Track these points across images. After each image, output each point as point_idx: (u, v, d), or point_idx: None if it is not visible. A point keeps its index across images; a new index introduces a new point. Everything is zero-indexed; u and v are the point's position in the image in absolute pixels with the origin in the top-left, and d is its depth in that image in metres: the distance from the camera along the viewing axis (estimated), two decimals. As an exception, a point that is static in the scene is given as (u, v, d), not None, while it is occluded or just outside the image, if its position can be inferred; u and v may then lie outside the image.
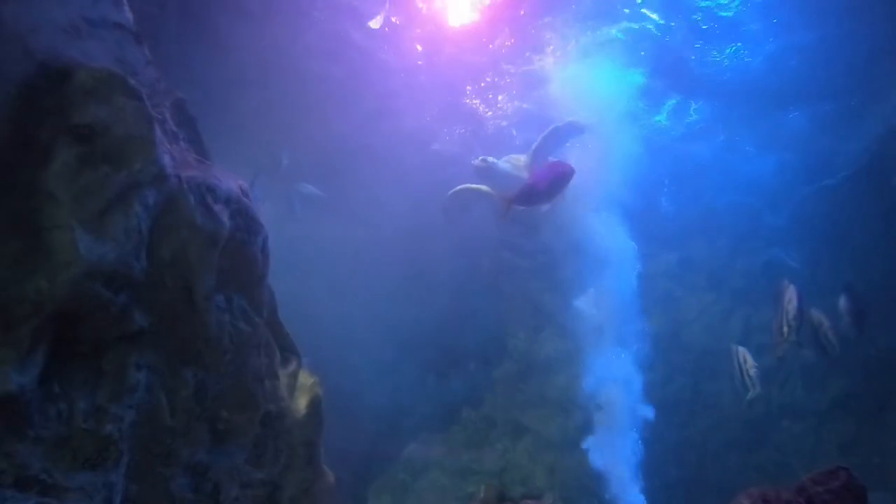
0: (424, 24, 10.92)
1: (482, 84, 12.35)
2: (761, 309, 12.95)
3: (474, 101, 12.64)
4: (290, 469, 5.47)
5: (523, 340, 13.47)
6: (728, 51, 12.15)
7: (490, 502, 7.94)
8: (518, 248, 13.40)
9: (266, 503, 5.14)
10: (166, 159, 3.99)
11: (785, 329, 9.32)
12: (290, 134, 10.66)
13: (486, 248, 13.50)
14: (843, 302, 10.06)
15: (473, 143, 12.75)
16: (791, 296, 9.32)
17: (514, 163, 11.11)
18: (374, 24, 10.33)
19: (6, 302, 3.27)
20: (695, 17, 11.53)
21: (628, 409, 11.12)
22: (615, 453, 10.90)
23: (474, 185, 11.30)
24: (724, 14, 11.40)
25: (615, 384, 11.25)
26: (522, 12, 11.10)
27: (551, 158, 10.80)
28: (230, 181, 4.67)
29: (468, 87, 12.37)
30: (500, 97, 12.65)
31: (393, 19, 10.57)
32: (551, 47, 11.80)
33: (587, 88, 11.91)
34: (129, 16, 4.38)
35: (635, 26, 11.62)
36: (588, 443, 11.18)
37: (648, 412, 11.14)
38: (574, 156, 11.10)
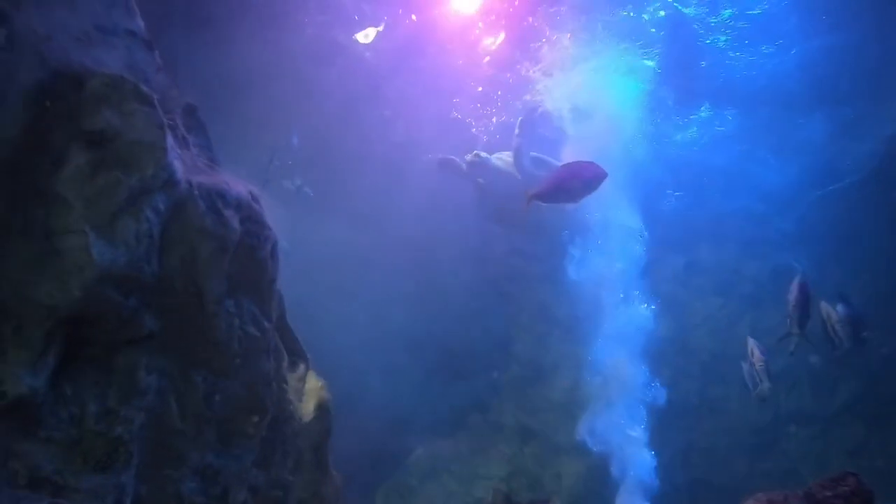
0: (430, 32, 11.04)
1: (497, 92, 12.46)
2: (769, 314, 12.83)
3: (483, 109, 12.74)
4: (299, 472, 5.50)
5: (530, 345, 13.46)
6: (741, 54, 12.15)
7: (497, 507, 7.95)
8: (526, 253, 13.39)
9: (274, 506, 5.17)
10: (177, 165, 4.03)
11: (788, 321, 9.19)
12: (292, 135, 10.77)
13: (494, 253, 13.49)
14: (839, 310, 10.00)
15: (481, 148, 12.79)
16: (796, 288, 9.14)
17: (506, 159, 11.35)
18: (364, 37, 10.38)
19: (19, 305, 3.31)
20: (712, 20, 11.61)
21: (635, 414, 11.07)
22: (623, 457, 10.85)
23: (499, 156, 11.45)
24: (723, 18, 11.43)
25: (623, 387, 11.19)
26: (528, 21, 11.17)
27: (534, 153, 11.07)
28: (240, 187, 4.70)
29: (479, 88, 12.46)
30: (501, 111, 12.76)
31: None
32: (546, 48, 11.85)
33: (594, 91, 11.92)
34: (140, 23, 4.43)
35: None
36: (595, 447, 11.13)
37: (654, 416, 11.08)
38: (574, 156, 11.09)
